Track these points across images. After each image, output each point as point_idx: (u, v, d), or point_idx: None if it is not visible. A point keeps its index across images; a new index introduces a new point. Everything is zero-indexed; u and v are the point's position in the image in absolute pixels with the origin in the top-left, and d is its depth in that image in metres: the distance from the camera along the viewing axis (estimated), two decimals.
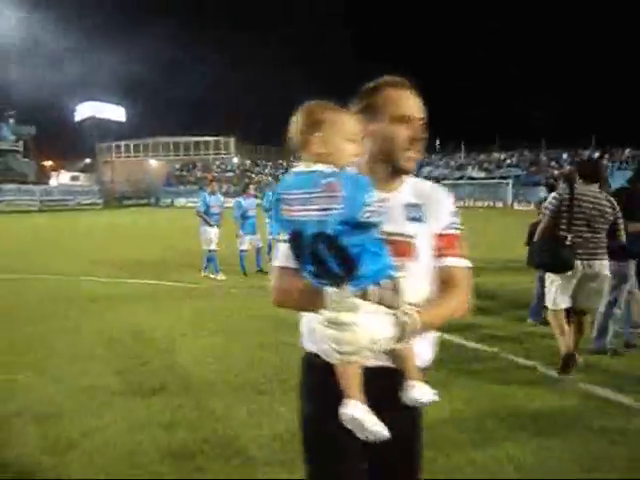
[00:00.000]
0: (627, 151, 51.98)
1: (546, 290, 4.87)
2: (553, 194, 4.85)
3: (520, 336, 5.76)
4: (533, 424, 3.55)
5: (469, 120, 63.72)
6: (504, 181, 48.66)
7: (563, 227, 4.62)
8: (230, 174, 65.55)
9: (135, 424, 3.65)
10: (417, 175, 1.82)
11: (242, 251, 10.55)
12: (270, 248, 11.09)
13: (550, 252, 4.64)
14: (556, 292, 4.70)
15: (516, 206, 44.36)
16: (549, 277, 4.79)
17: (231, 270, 10.63)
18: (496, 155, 57.20)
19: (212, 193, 10.24)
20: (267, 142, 73.96)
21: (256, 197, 11.33)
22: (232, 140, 71.70)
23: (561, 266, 4.62)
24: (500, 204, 46.28)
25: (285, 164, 65.46)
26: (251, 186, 11.46)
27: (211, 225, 10.00)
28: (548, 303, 4.85)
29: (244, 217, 10.50)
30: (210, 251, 9.97)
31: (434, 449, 3.15)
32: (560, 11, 69.64)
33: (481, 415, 3.69)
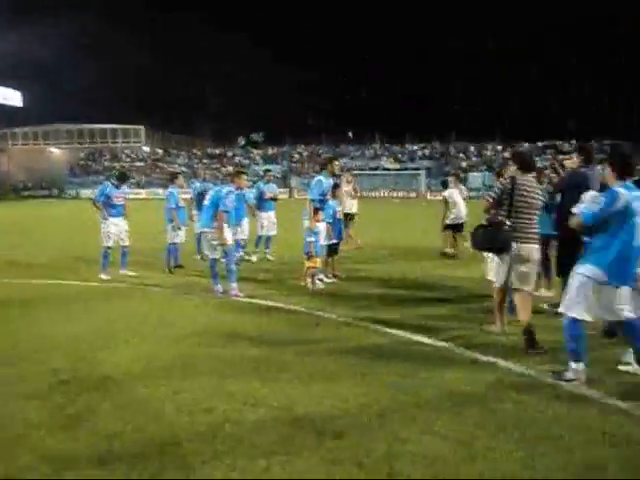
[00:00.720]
0: (526, 145, 55.46)
1: (494, 267, 5.47)
2: (497, 183, 5.45)
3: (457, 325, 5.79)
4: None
5: (383, 111, 64.95)
6: (417, 172, 50.19)
7: (504, 213, 5.19)
8: (140, 164, 62.63)
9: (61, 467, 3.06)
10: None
11: (173, 244, 10.00)
12: (199, 242, 10.52)
13: (490, 235, 5.23)
14: (499, 270, 5.30)
15: (429, 196, 45.93)
16: (495, 257, 5.41)
17: (149, 266, 10.01)
18: (409, 147, 58.89)
19: (118, 185, 9.46)
20: (179, 131, 71.35)
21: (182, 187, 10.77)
22: (142, 128, 68.42)
23: (500, 248, 5.20)
24: (414, 194, 47.72)
25: (199, 154, 63.56)
26: (180, 176, 10.92)
27: (106, 218, 9.10)
28: (493, 278, 5.46)
29: (178, 208, 10.07)
30: (107, 248, 9.10)
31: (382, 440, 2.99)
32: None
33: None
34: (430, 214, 19.59)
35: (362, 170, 51.42)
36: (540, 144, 55.12)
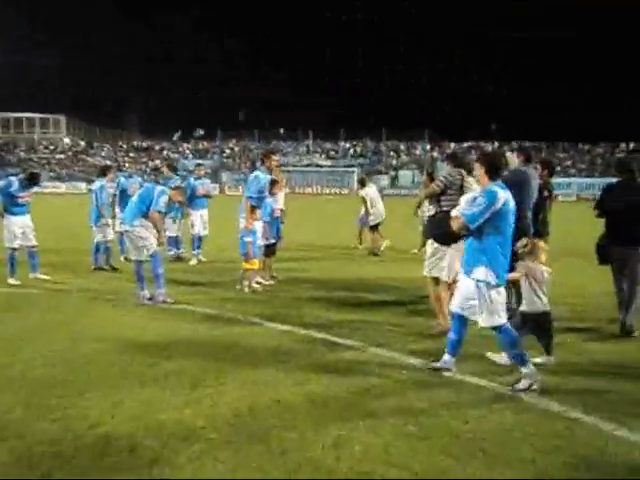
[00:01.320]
0: (452, 145, 57.29)
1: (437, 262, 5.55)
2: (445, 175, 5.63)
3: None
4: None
5: (315, 109, 64.82)
6: (350, 169, 50.49)
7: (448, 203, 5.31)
8: (60, 156, 59.04)
9: None
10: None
11: (105, 242, 9.30)
12: (121, 242, 9.80)
13: (443, 227, 5.08)
14: (435, 262, 5.54)
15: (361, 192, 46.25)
16: (433, 248, 5.54)
17: (66, 268, 9.15)
18: (341, 144, 59.17)
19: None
20: (103, 123, 67.79)
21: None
22: (63, 118, 64.49)
23: (451, 240, 5.02)
24: (346, 191, 47.97)
25: (125, 146, 60.80)
26: (113, 169, 10.18)
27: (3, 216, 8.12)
28: (425, 269, 5.67)
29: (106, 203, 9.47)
30: (13, 249, 8.07)
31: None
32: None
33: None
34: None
35: (295, 166, 51.16)
36: (465, 144, 57.14)
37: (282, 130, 60.78)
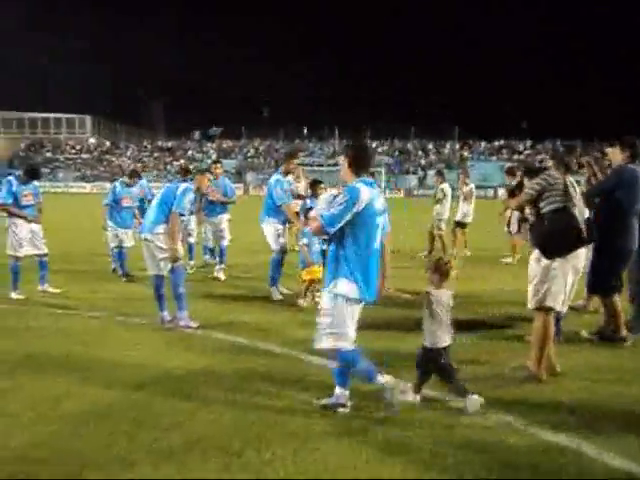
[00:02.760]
0: (483, 144, 55.54)
1: (531, 282, 4.35)
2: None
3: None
4: None
5: (341, 108, 63.74)
6: (377, 169, 49.19)
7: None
8: (86, 156, 59.06)
9: None
10: None
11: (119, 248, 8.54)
12: (119, 255, 8.59)
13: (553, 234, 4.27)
14: (544, 286, 4.28)
15: (387, 193, 45.02)
16: (542, 267, 4.28)
17: (78, 278, 8.24)
18: (368, 143, 57.93)
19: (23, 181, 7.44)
20: (128, 121, 67.71)
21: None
22: (88, 118, 64.59)
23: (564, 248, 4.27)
24: None
25: (149, 147, 60.54)
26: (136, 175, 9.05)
27: (29, 220, 7.26)
28: (532, 299, 4.34)
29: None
30: (16, 259, 7.18)
31: None
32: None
33: None
34: (402, 213, 18.31)
35: (320, 166, 50.11)
36: (497, 143, 55.31)
37: (306, 130, 59.88)
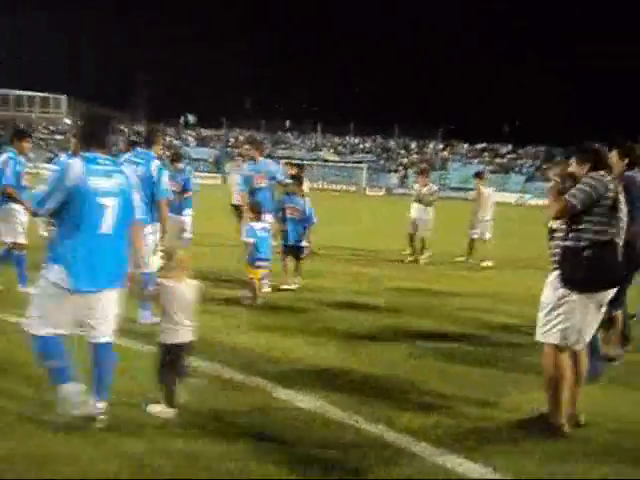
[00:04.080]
0: (466, 145, 55.39)
1: (542, 309, 3.57)
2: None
3: None
4: None
5: (325, 102, 62.86)
6: (359, 165, 48.63)
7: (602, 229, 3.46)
8: (60, 137, 57.13)
9: None
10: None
11: None
12: None
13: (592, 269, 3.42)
14: (557, 317, 3.48)
15: (368, 191, 44.51)
16: (558, 294, 3.47)
17: None
18: (350, 139, 57.29)
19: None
20: (106, 103, 65.54)
21: None
22: (64, 98, 62.48)
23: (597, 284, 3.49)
24: (353, 188, 46.09)
25: (127, 130, 58.83)
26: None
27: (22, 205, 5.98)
28: (540, 330, 3.56)
29: None
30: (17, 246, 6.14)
31: None
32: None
33: None
34: (375, 211, 17.81)
35: (302, 160, 49.36)
36: (479, 146, 55.17)
37: (288, 122, 59.00)
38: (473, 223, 10.69)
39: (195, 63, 70.18)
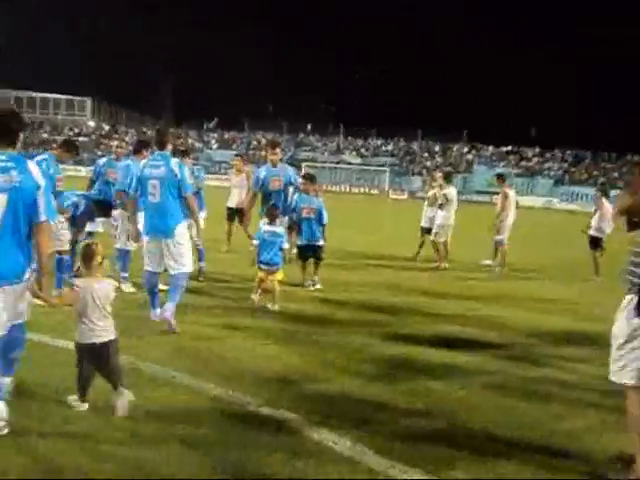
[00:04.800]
0: (491, 148, 54.23)
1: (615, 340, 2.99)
2: None
3: None
4: None
5: (347, 104, 62.30)
6: (382, 168, 47.94)
7: None
8: (84, 139, 57.66)
9: None
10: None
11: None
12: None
13: None
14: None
15: (392, 194, 43.79)
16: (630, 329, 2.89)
17: None
18: (373, 142, 56.59)
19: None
20: (130, 105, 66.01)
21: None
22: (89, 100, 63.16)
23: None
24: (376, 191, 45.43)
25: (148, 132, 59.10)
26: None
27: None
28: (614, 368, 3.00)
29: None
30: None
31: None
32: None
33: None
34: (399, 215, 17.17)
35: (323, 163, 48.90)
36: (504, 149, 53.97)
37: (310, 125, 58.58)
38: (499, 228, 10.19)
39: (217, 65, 70.37)
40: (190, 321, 5.43)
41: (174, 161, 5.42)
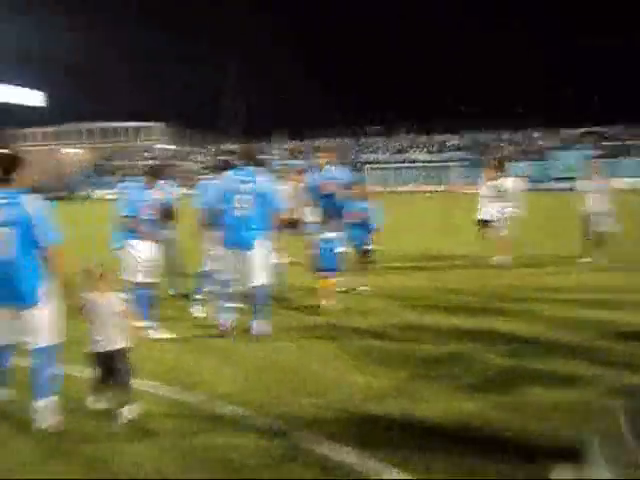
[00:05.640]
0: (567, 130, 51.06)
1: None
2: None
3: None
4: None
5: (408, 101, 61.04)
6: (450, 164, 46.32)
7: None
8: (155, 162, 59.94)
9: None
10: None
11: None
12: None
13: None
14: None
15: (466, 190, 42.06)
16: None
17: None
18: (436, 137, 54.94)
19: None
20: (197, 125, 68.14)
21: None
22: (156, 125, 66.02)
23: None
24: (442, 187, 43.89)
25: (214, 150, 60.54)
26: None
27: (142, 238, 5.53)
28: None
29: None
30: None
31: None
32: None
33: None
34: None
35: (387, 163, 47.97)
36: (581, 130, 50.48)
37: (367, 128, 57.99)
38: (594, 218, 9.11)
39: (279, 79, 71.28)
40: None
41: (261, 178, 5.47)
